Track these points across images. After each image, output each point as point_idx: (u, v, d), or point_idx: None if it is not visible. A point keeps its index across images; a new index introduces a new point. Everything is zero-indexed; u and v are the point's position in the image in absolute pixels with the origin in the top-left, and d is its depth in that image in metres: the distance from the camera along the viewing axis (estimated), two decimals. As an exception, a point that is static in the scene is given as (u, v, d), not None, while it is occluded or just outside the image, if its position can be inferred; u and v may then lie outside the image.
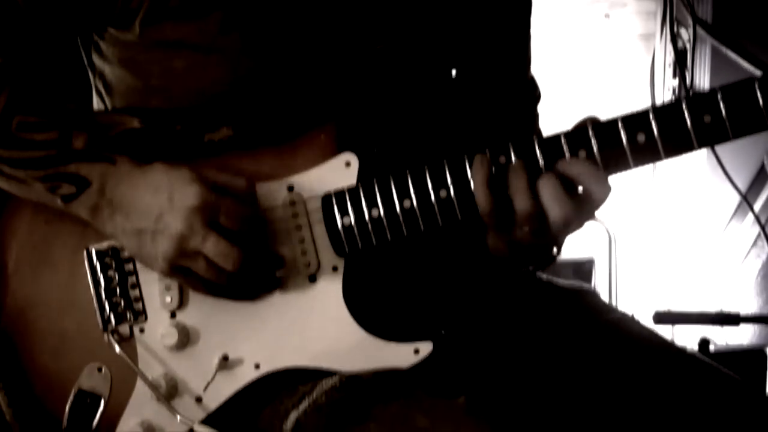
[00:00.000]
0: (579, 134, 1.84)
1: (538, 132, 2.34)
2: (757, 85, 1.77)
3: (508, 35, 2.24)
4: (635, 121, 1.82)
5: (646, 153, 1.82)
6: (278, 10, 1.97)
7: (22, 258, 2.06)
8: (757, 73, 3.79)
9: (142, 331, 2.00)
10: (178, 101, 2.02)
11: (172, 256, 1.88)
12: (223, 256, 1.85)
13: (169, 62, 2.00)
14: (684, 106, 1.79)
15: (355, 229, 1.91)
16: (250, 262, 1.88)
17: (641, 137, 1.81)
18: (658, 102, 4.69)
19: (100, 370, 2.01)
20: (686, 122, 1.79)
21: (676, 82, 4.48)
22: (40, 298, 2.05)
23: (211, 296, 1.95)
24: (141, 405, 2.00)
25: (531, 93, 2.37)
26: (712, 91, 1.78)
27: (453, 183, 1.87)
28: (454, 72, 2.04)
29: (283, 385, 1.95)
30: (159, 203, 1.87)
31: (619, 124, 1.82)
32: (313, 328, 1.94)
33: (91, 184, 1.92)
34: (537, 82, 2.38)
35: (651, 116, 1.81)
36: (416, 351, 1.90)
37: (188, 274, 1.91)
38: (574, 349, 2.10)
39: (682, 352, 2.12)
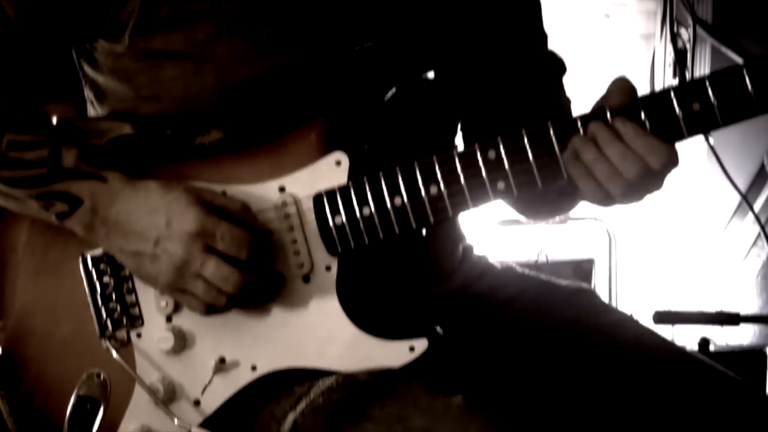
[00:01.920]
0: (567, 125, 1.85)
1: (566, 104, 2.33)
2: (745, 71, 1.77)
3: (511, 21, 2.24)
4: (624, 111, 1.82)
5: None
6: (267, 15, 1.98)
7: (20, 265, 2.07)
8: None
9: (139, 336, 2.01)
10: (169, 108, 2.03)
11: (171, 279, 1.88)
12: (223, 280, 1.85)
13: (159, 71, 2.01)
14: (672, 95, 1.79)
15: (347, 228, 1.91)
16: (250, 283, 1.88)
17: None
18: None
19: (98, 375, 2.00)
20: (675, 111, 1.79)
21: (676, 81, 4.48)
22: (39, 304, 2.06)
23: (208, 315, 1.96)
24: (140, 410, 2.00)
25: (552, 67, 2.35)
26: (701, 78, 1.78)
27: (443, 179, 1.87)
28: (439, 70, 2.02)
29: (280, 386, 1.95)
30: (156, 226, 1.87)
31: (608, 115, 1.82)
32: (309, 328, 1.94)
33: (82, 203, 1.91)
34: (559, 56, 2.35)
35: (639, 106, 1.81)
36: (411, 348, 1.90)
37: (187, 294, 1.90)
38: (572, 349, 2.10)
39: (681, 352, 2.12)
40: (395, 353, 1.91)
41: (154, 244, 1.87)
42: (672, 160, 1.82)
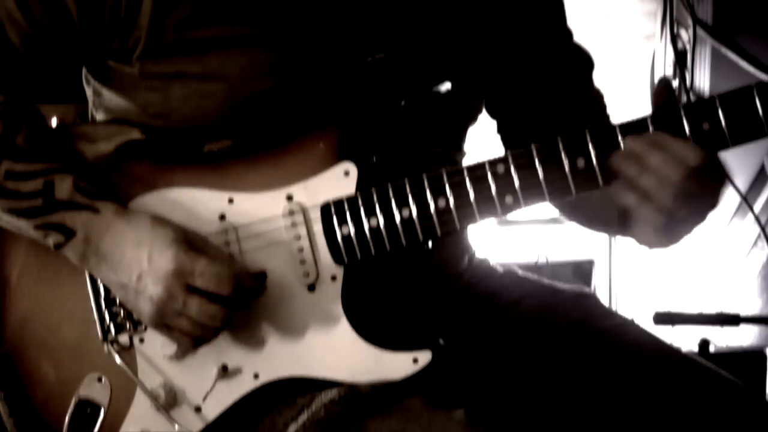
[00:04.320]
0: (577, 141, 1.84)
1: (598, 98, 2.32)
2: (755, 92, 1.76)
3: (532, 20, 2.22)
4: (634, 129, 1.81)
5: None
6: (277, 37, 1.97)
7: (24, 268, 2.06)
8: (757, 73, 3.80)
9: (141, 341, 2.00)
10: (177, 125, 2.02)
11: (154, 316, 1.88)
12: (207, 317, 1.86)
13: (168, 91, 2.00)
14: (682, 114, 1.79)
15: (354, 239, 1.91)
16: (234, 313, 1.89)
17: None
18: (658, 103, 4.69)
19: (100, 379, 2.01)
20: (685, 130, 1.79)
21: (676, 82, 4.47)
22: (41, 306, 2.05)
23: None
24: (141, 415, 1.99)
25: (578, 63, 2.32)
26: (711, 98, 1.77)
27: (452, 192, 1.87)
28: (455, 79, 2.02)
29: (282, 395, 1.95)
30: (138, 261, 1.87)
31: (618, 132, 1.82)
32: (312, 337, 1.93)
33: (75, 234, 1.91)
34: (585, 50, 2.32)
35: (649, 123, 1.81)
36: (415, 360, 1.89)
37: (173, 331, 1.91)
38: (574, 357, 2.10)
39: (683, 356, 2.12)
40: (399, 365, 1.90)
41: (136, 279, 1.87)
42: (709, 161, 1.80)
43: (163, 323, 1.89)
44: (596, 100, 2.31)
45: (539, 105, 2.24)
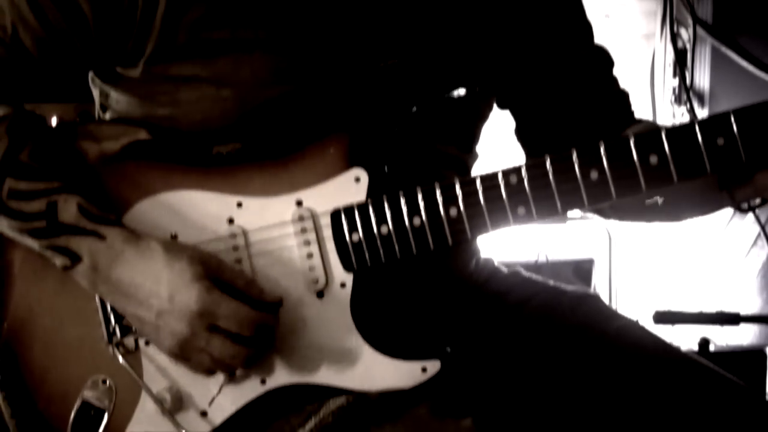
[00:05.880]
0: (591, 152, 1.83)
1: (625, 97, 2.30)
2: None
3: (553, 20, 2.20)
4: (647, 142, 1.80)
5: (659, 175, 1.80)
6: (288, 39, 1.97)
7: (26, 267, 2.05)
8: (757, 73, 3.80)
9: (147, 343, 1.99)
10: (186, 127, 2.02)
11: (175, 350, 1.88)
12: (230, 357, 1.85)
13: (177, 94, 2.00)
14: (697, 128, 1.78)
15: (364, 246, 1.90)
16: (256, 354, 1.89)
17: (654, 158, 1.80)
18: (658, 102, 4.69)
19: (104, 382, 2.00)
20: (699, 144, 1.78)
21: (676, 81, 4.47)
22: (45, 308, 2.04)
23: None
24: (145, 418, 1.99)
25: (602, 60, 2.29)
26: (726, 113, 1.77)
27: (464, 201, 1.86)
28: (463, 90, 2.01)
29: (288, 401, 1.94)
30: (159, 297, 1.86)
31: (631, 144, 1.81)
32: (321, 344, 1.93)
33: (82, 260, 1.90)
34: (605, 48, 2.29)
35: (663, 137, 1.79)
36: (424, 369, 1.89)
37: (191, 363, 1.91)
38: (578, 360, 2.10)
39: (687, 358, 2.11)
40: (407, 374, 1.90)
41: (156, 315, 1.86)
42: None
43: (182, 356, 1.88)
44: (624, 100, 2.29)
45: (563, 106, 2.22)
